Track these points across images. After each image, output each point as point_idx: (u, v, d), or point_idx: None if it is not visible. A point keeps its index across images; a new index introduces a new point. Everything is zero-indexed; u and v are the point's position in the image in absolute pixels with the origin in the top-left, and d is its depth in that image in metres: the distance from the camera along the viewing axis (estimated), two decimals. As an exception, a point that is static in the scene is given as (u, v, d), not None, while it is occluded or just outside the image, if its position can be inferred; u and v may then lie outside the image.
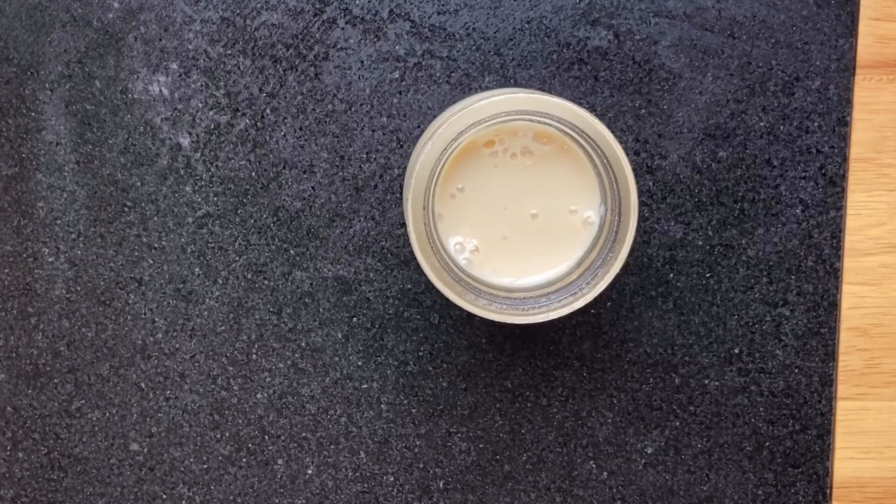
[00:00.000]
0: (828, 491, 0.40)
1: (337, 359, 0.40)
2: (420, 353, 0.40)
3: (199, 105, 0.39)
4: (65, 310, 0.40)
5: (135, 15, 0.39)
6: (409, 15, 0.39)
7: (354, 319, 0.40)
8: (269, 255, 0.40)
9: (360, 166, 0.39)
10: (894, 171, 0.40)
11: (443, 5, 0.39)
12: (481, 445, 0.41)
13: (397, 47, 0.39)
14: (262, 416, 0.40)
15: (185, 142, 0.39)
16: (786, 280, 0.40)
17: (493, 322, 0.33)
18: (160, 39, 0.39)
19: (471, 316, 0.34)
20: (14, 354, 0.40)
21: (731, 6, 0.39)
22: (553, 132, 0.33)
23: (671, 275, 0.40)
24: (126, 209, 0.40)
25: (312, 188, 0.39)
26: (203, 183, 0.39)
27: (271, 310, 0.40)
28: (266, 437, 0.41)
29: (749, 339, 0.40)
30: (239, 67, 0.39)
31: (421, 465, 0.41)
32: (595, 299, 0.33)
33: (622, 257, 0.33)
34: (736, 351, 0.40)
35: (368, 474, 0.41)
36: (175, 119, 0.39)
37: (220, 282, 0.40)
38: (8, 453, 0.41)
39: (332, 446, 0.40)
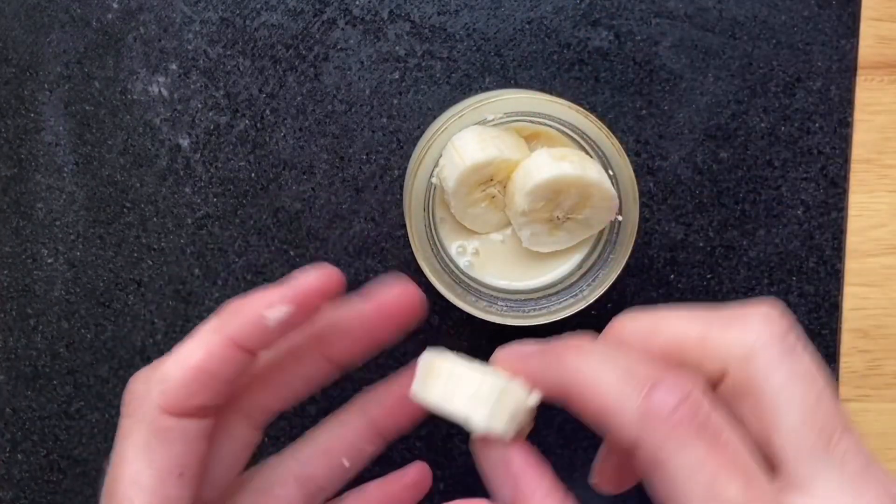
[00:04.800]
0: (829, 493, 0.40)
1: (337, 360, 0.40)
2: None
3: (199, 106, 0.39)
4: (64, 311, 0.40)
5: (134, 15, 0.39)
6: (410, 15, 0.39)
7: (354, 321, 0.40)
8: (268, 256, 0.40)
9: (360, 167, 0.39)
10: (895, 172, 0.40)
11: (443, 6, 0.39)
12: (482, 447, 0.40)
13: (397, 48, 0.39)
14: (261, 417, 0.40)
15: (185, 142, 0.39)
16: (787, 281, 0.39)
17: (493, 323, 0.33)
18: (160, 40, 0.39)
19: (471, 318, 0.33)
20: (13, 356, 0.40)
21: (732, 7, 0.39)
22: (553, 133, 0.33)
23: (672, 276, 0.39)
24: (125, 210, 0.39)
25: (312, 189, 0.39)
26: (202, 184, 0.39)
27: (271, 311, 0.40)
28: (266, 439, 0.40)
29: (750, 341, 0.40)
30: (238, 68, 0.39)
31: (421, 467, 0.41)
32: (596, 301, 0.33)
33: (623, 259, 0.32)
34: (737, 352, 0.40)
35: (368, 476, 0.41)
36: (174, 120, 0.39)
37: (220, 283, 0.40)
38: (7, 455, 0.41)
39: (332, 448, 0.40)
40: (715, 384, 0.24)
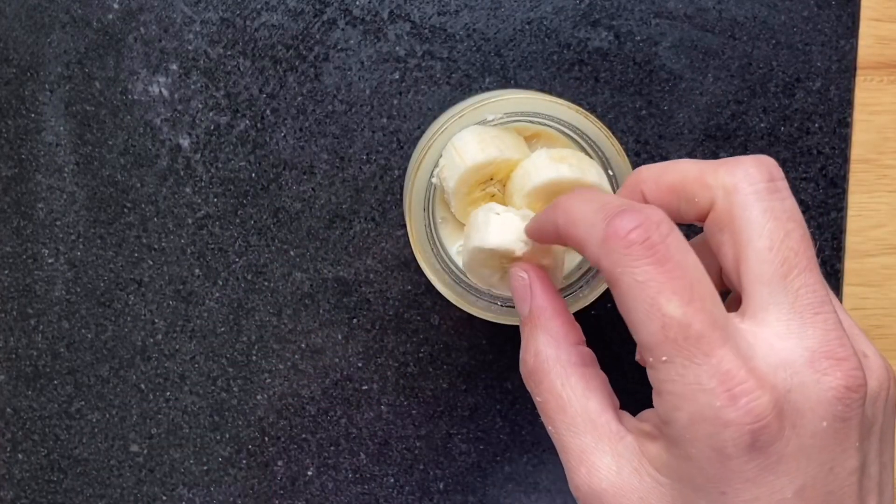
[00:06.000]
0: (828, 492, 0.40)
1: (337, 360, 0.40)
2: (420, 355, 0.40)
3: (199, 106, 0.39)
4: (64, 311, 0.40)
5: (134, 16, 0.39)
6: (410, 16, 0.39)
7: (354, 321, 0.40)
8: (269, 256, 0.40)
9: (361, 167, 0.39)
10: (895, 173, 0.40)
11: (443, 6, 0.39)
12: (482, 447, 0.41)
13: (398, 48, 0.39)
14: (261, 417, 0.40)
15: (185, 143, 0.39)
16: (786, 281, 0.39)
17: (493, 323, 0.33)
18: (160, 40, 0.39)
19: (471, 317, 0.33)
20: (14, 356, 0.40)
21: (731, 7, 0.39)
22: (553, 133, 0.33)
23: (672, 276, 0.39)
24: (126, 210, 0.39)
25: (312, 189, 0.39)
26: (203, 184, 0.39)
27: (271, 311, 0.40)
28: (266, 439, 0.40)
29: (750, 341, 0.40)
30: (239, 68, 0.39)
31: (421, 467, 0.41)
32: (596, 301, 0.33)
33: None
34: (736, 352, 0.40)
35: (368, 475, 0.41)
36: (175, 120, 0.39)
37: (220, 283, 0.40)
38: (7, 455, 0.41)
39: (332, 448, 0.40)
40: (704, 217, 0.26)
